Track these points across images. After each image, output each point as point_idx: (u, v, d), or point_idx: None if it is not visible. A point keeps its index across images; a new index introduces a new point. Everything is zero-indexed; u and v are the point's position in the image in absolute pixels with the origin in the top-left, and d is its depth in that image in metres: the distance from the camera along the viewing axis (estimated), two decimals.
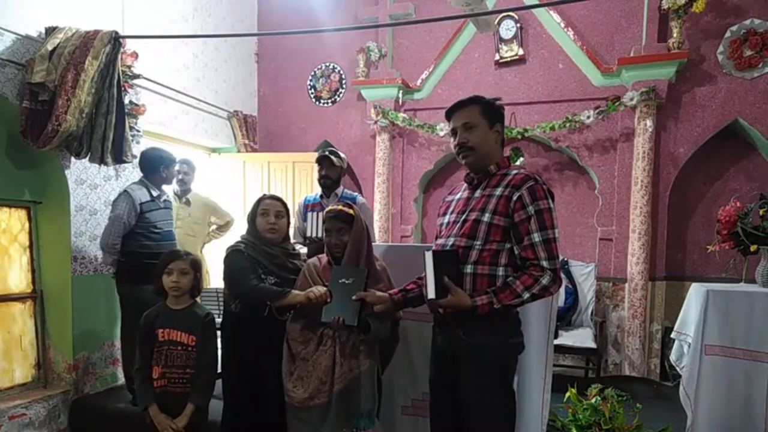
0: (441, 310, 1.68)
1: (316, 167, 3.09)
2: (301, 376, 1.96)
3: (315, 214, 2.91)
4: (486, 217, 1.67)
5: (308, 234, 2.90)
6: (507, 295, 1.60)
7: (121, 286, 3.13)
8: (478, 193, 1.75)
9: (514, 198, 1.64)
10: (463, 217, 1.74)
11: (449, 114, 1.82)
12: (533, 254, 1.62)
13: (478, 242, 1.67)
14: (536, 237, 1.61)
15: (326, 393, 1.92)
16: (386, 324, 2.00)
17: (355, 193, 3.21)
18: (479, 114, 1.75)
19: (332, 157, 3.00)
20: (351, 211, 2.05)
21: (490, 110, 1.77)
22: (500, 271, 1.67)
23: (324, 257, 2.14)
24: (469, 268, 1.68)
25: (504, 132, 1.82)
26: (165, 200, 3.25)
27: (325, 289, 1.98)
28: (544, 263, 1.60)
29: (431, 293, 1.63)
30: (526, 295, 1.60)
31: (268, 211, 2.26)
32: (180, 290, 2.19)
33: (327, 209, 2.10)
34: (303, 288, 2.06)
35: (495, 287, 1.63)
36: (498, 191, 1.69)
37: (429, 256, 1.64)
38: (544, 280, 1.60)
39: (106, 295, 3.45)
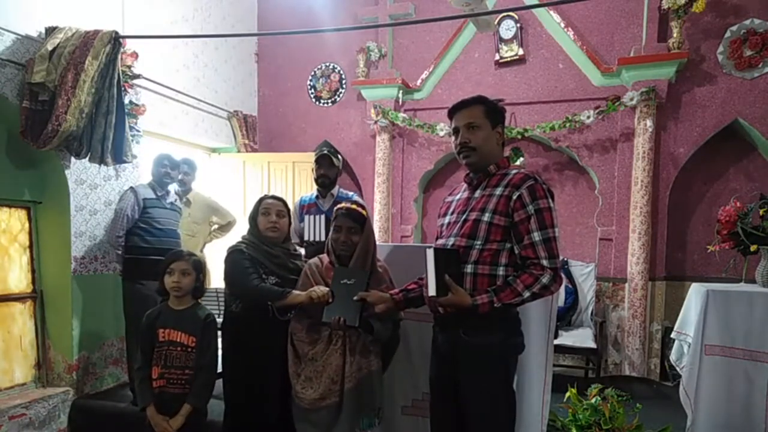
0: (441, 309, 1.68)
1: (314, 166, 3.09)
2: (309, 377, 1.94)
3: (312, 217, 2.90)
4: (486, 217, 1.67)
5: (306, 237, 2.89)
6: (507, 294, 1.60)
7: (123, 282, 3.18)
8: (478, 193, 1.75)
9: (514, 197, 1.64)
10: (464, 217, 1.74)
11: (452, 113, 1.82)
12: (533, 253, 1.61)
13: (479, 242, 1.67)
14: (536, 236, 1.61)
15: (337, 393, 1.91)
16: (387, 325, 2.00)
17: (351, 193, 3.20)
18: (483, 114, 1.75)
19: (331, 156, 3.00)
20: (363, 212, 2.04)
21: (494, 111, 1.77)
22: (501, 271, 1.66)
23: (325, 257, 2.13)
24: (469, 268, 1.68)
25: (504, 132, 1.82)
26: (171, 202, 3.31)
27: (327, 289, 1.97)
28: (545, 262, 1.60)
29: (432, 290, 1.63)
30: (527, 294, 1.59)
31: (270, 210, 2.26)
32: (181, 291, 2.19)
33: (339, 206, 2.08)
34: (304, 288, 2.06)
35: (495, 286, 1.63)
36: (498, 191, 1.69)
37: (430, 254, 1.64)
38: (545, 279, 1.60)
39: (106, 295, 3.46)
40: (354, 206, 2.05)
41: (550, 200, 1.66)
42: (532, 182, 1.65)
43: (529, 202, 1.63)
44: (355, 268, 1.99)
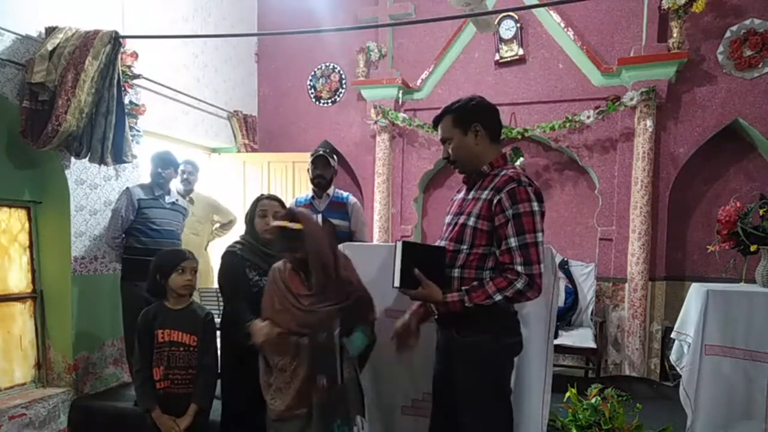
0: (433, 308, 1.71)
1: (310, 166, 3.09)
2: (279, 388, 1.87)
3: None
4: (471, 222, 1.67)
5: None
6: (479, 294, 1.59)
7: (121, 283, 3.18)
8: (471, 195, 1.76)
9: (495, 201, 1.62)
10: (456, 220, 1.75)
11: (435, 128, 1.86)
12: (509, 259, 1.59)
13: (465, 246, 1.68)
14: (513, 242, 1.58)
15: (306, 403, 1.83)
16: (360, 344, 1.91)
17: (347, 193, 3.20)
18: (451, 125, 1.76)
19: (327, 157, 3.02)
20: (297, 226, 1.83)
21: (462, 115, 1.75)
22: (486, 275, 1.66)
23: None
24: (456, 272, 1.69)
25: (491, 126, 1.76)
26: (172, 203, 3.28)
27: (276, 331, 1.85)
28: (519, 268, 1.57)
29: (396, 282, 1.64)
30: (498, 297, 1.58)
31: (267, 211, 2.26)
32: (192, 289, 2.20)
33: (269, 227, 1.97)
34: (269, 293, 1.95)
35: (469, 286, 1.63)
36: (485, 194, 1.67)
37: (399, 246, 1.65)
38: (519, 284, 1.57)
39: (106, 295, 3.46)
40: (284, 223, 1.84)
41: (534, 203, 1.60)
42: (513, 185, 1.60)
43: (509, 207, 1.59)
44: (320, 280, 1.83)
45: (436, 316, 1.82)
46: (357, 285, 1.97)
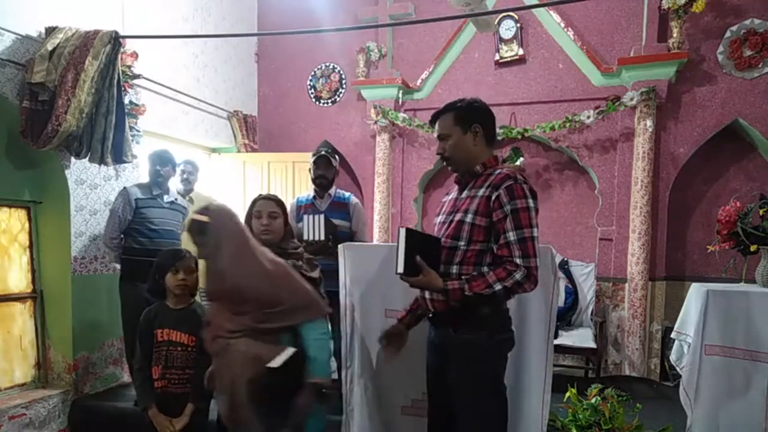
0: (429, 306, 1.73)
1: (311, 166, 3.09)
2: (221, 391, 1.77)
3: (310, 217, 2.92)
4: (469, 218, 1.69)
5: (306, 237, 2.90)
6: (479, 283, 1.60)
7: (120, 283, 3.17)
8: (464, 194, 1.77)
9: (493, 198, 1.66)
10: (451, 218, 1.77)
11: (432, 124, 1.87)
12: (508, 252, 1.62)
13: (462, 243, 1.69)
14: (511, 236, 1.61)
15: (244, 408, 1.71)
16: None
17: (348, 193, 3.20)
18: (452, 122, 1.78)
19: (329, 157, 3.02)
20: (204, 218, 1.71)
21: (465, 114, 1.77)
22: (485, 270, 1.67)
23: None
24: (454, 269, 1.70)
25: (489, 129, 1.80)
26: (171, 202, 3.26)
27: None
28: (518, 260, 1.60)
29: (400, 268, 1.65)
30: (498, 287, 1.59)
31: (261, 212, 2.24)
32: (187, 289, 2.19)
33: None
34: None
35: (469, 276, 1.65)
36: (481, 192, 1.70)
37: (402, 232, 1.66)
38: (518, 275, 1.59)
39: (107, 295, 3.45)
40: (194, 216, 1.75)
41: (530, 200, 1.65)
42: (510, 182, 1.65)
43: (507, 202, 1.63)
44: (216, 293, 1.77)
45: (431, 314, 1.83)
46: (286, 287, 1.82)
